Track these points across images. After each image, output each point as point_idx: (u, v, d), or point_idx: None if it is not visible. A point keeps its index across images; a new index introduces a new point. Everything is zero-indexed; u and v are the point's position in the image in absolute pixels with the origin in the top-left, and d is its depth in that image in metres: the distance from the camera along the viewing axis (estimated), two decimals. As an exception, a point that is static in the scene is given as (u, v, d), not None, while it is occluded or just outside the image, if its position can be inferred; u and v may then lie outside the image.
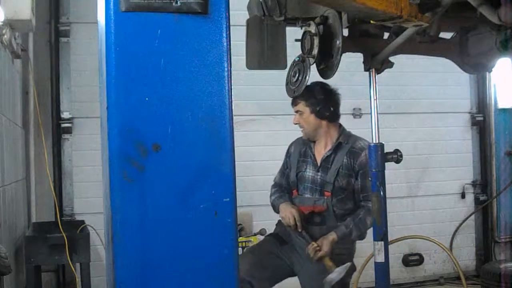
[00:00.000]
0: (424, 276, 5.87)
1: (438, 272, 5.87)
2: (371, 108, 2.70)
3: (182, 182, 1.49)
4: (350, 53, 2.66)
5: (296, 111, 3.17)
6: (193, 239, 1.49)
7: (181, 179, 1.49)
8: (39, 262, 3.74)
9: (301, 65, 2.67)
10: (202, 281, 1.50)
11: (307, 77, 2.64)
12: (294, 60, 2.75)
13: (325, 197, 3.08)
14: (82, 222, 4.15)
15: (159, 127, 1.48)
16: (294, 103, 3.16)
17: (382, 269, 2.63)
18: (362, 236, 3.09)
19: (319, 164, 3.15)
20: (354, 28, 2.70)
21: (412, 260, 5.77)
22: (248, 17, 3.02)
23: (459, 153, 5.99)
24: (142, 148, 1.47)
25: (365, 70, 2.71)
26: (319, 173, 3.13)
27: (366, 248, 2.82)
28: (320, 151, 3.18)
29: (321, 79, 2.79)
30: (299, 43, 2.71)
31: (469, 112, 6.06)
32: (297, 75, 2.70)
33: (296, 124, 3.19)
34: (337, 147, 3.14)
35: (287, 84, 2.85)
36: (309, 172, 3.16)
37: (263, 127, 5.22)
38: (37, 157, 4.57)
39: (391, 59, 2.70)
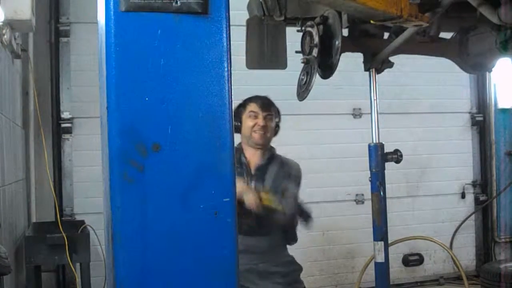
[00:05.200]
0: (424, 276, 5.88)
1: (438, 272, 5.88)
2: (371, 108, 2.70)
3: (182, 182, 1.49)
4: (350, 53, 2.66)
5: (268, 115, 3.07)
6: (193, 239, 1.49)
7: (181, 179, 1.49)
8: (39, 262, 3.74)
9: (308, 67, 2.66)
10: (202, 281, 1.50)
11: (314, 78, 2.62)
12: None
13: None
14: (82, 222, 4.15)
15: (159, 127, 1.48)
16: (267, 108, 3.08)
17: (382, 269, 2.63)
18: None
19: (253, 173, 3.07)
20: (354, 28, 2.69)
21: (412, 260, 5.78)
22: (248, 17, 3.02)
23: (459, 153, 6.00)
24: (142, 148, 1.47)
25: (365, 70, 2.71)
26: (252, 183, 3.05)
27: (367, 248, 2.81)
28: (255, 161, 3.10)
29: (321, 79, 2.78)
30: (299, 43, 2.70)
31: (469, 112, 6.07)
32: (304, 77, 2.68)
33: (262, 126, 3.04)
34: (270, 158, 3.11)
35: (298, 88, 2.81)
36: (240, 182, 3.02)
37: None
38: (37, 157, 4.58)
39: (391, 59, 2.70)
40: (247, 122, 3.08)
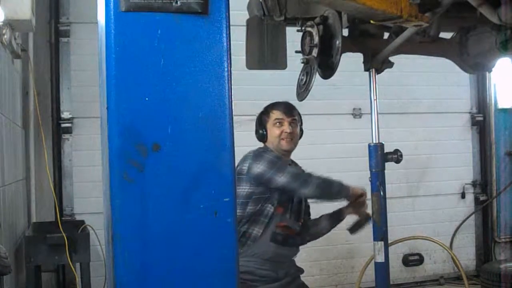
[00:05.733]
0: (424, 276, 5.87)
1: (438, 272, 5.87)
2: (371, 108, 2.70)
3: (182, 182, 1.49)
4: (350, 53, 2.66)
5: (293, 120, 3.06)
6: (193, 239, 1.49)
7: (181, 179, 1.49)
8: (39, 262, 3.74)
9: (308, 67, 2.66)
10: (202, 281, 1.50)
11: (313, 78, 2.61)
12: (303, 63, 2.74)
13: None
14: (82, 222, 4.15)
15: (159, 127, 1.48)
16: (290, 113, 3.06)
17: (382, 269, 2.63)
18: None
19: None
20: (354, 28, 2.70)
21: (412, 260, 5.78)
22: (248, 17, 3.03)
23: (459, 153, 6.00)
24: (142, 148, 1.47)
25: (365, 70, 2.71)
26: None
27: (367, 248, 2.82)
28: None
29: (321, 79, 2.78)
30: (299, 43, 2.71)
31: (469, 112, 6.07)
32: (304, 77, 2.67)
33: (289, 133, 3.02)
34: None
35: (297, 88, 2.80)
36: None
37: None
38: (37, 157, 4.58)
39: (391, 59, 2.70)
40: (274, 131, 3.06)
